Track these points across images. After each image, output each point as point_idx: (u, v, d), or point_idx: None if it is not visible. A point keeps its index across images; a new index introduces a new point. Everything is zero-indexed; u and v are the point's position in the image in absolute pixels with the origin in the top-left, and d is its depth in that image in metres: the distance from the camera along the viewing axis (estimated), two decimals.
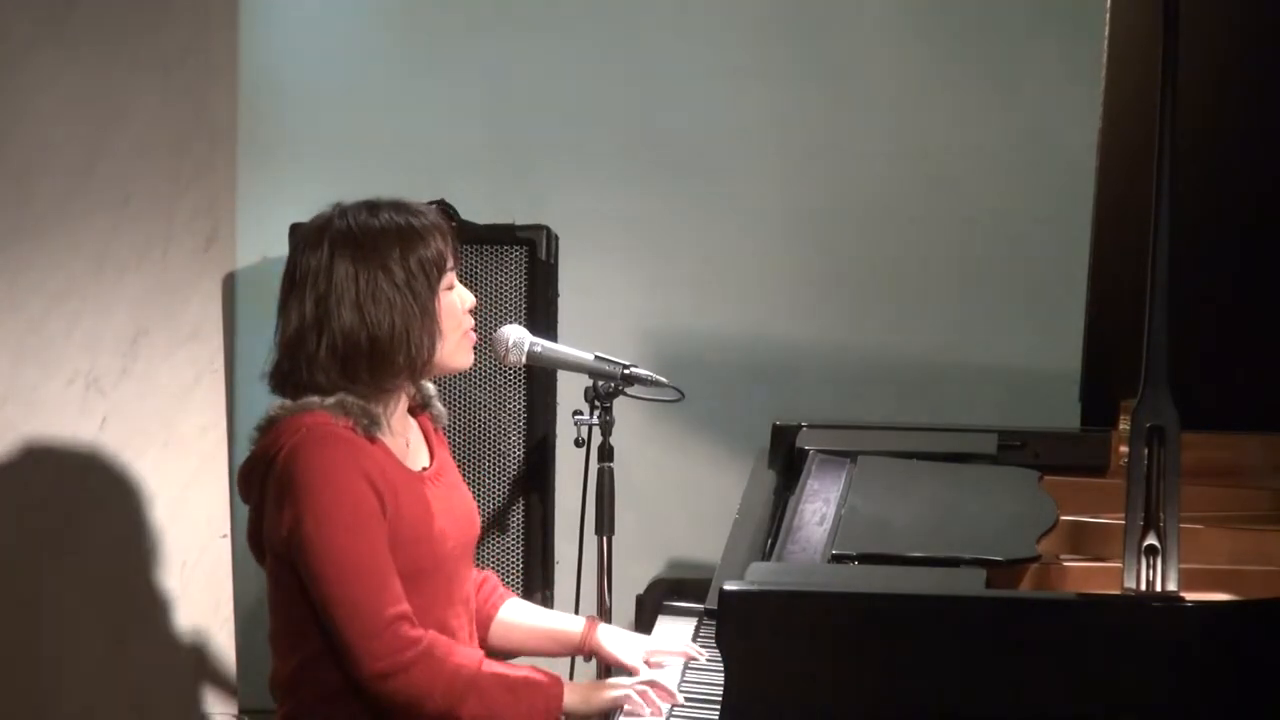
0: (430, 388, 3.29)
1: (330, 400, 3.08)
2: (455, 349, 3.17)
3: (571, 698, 3.11)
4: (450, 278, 3.16)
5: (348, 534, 3.01)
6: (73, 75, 4.65)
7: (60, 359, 4.63)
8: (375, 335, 3.08)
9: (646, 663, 3.29)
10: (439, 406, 3.30)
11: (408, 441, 3.20)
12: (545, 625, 3.38)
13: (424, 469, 3.20)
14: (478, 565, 3.46)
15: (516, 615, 3.39)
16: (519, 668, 3.15)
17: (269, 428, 3.11)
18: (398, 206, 3.15)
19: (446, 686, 3.02)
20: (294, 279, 3.12)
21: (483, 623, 3.36)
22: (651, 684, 3.13)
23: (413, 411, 3.25)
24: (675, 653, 3.29)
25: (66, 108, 4.65)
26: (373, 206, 3.15)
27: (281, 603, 3.12)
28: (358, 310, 3.07)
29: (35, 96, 4.62)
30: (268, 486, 3.07)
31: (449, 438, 3.41)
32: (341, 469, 3.03)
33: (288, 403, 3.12)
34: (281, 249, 4.90)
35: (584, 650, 3.37)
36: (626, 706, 3.09)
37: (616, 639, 3.35)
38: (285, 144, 5.19)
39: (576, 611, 3.88)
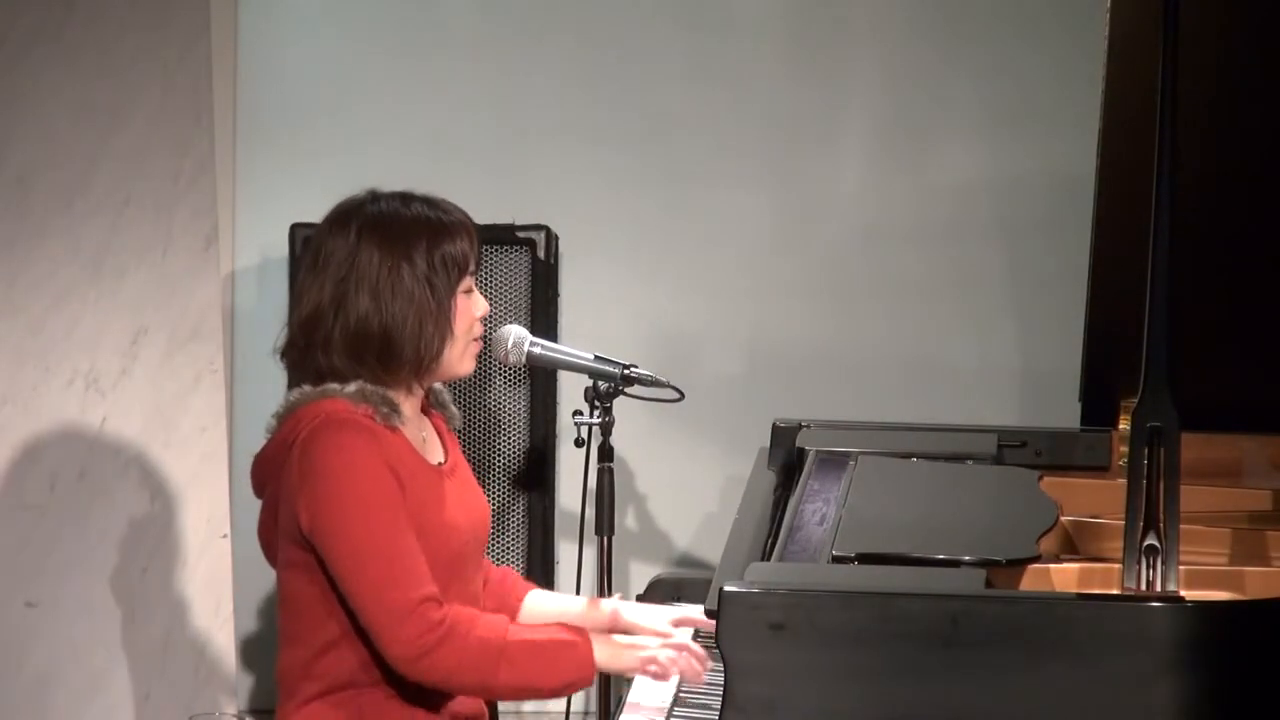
0: (441, 387, 3.29)
1: (350, 388, 3.08)
2: (461, 354, 3.18)
3: (601, 653, 3.11)
4: (469, 281, 3.17)
5: (371, 518, 3.02)
6: (73, 76, 4.65)
7: (60, 359, 4.64)
8: (388, 325, 3.08)
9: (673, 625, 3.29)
10: (453, 408, 3.31)
11: (424, 437, 3.20)
12: (572, 611, 3.37)
13: (440, 464, 3.20)
14: (496, 562, 3.47)
15: (542, 604, 3.39)
16: (545, 628, 3.15)
17: (288, 414, 3.11)
18: (430, 201, 3.17)
19: (476, 661, 3.03)
20: (318, 258, 3.13)
21: (510, 613, 3.36)
22: (682, 647, 3.12)
23: (426, 412, 3.25)
24: (698, 620, 3.25)
25: (66, 108, 4.65)
26: (405, 197, 3.16)
27: (292, 594, 3.11)
28: (375, 298, 3.08)
29: (35, 97, 4.63)
30: (286, 473, 3.07)
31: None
32: (362, 454, 3.03)
33: (307, 389, 3.11)
34: (281, 249, 4.94)
35: (614, 630, 3.35)
36: (653, 668, 3.09)
37: (641, 611, 3.35)
38: (285, 144, 5.19)
39: None
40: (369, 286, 3.08)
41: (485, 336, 3.26)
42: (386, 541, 3.02)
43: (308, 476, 3.03)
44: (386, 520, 3.03)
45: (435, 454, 3.22)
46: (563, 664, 3.07)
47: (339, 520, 3.02)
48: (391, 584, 3.01)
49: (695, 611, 3.30)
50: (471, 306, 3.17)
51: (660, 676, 3.13)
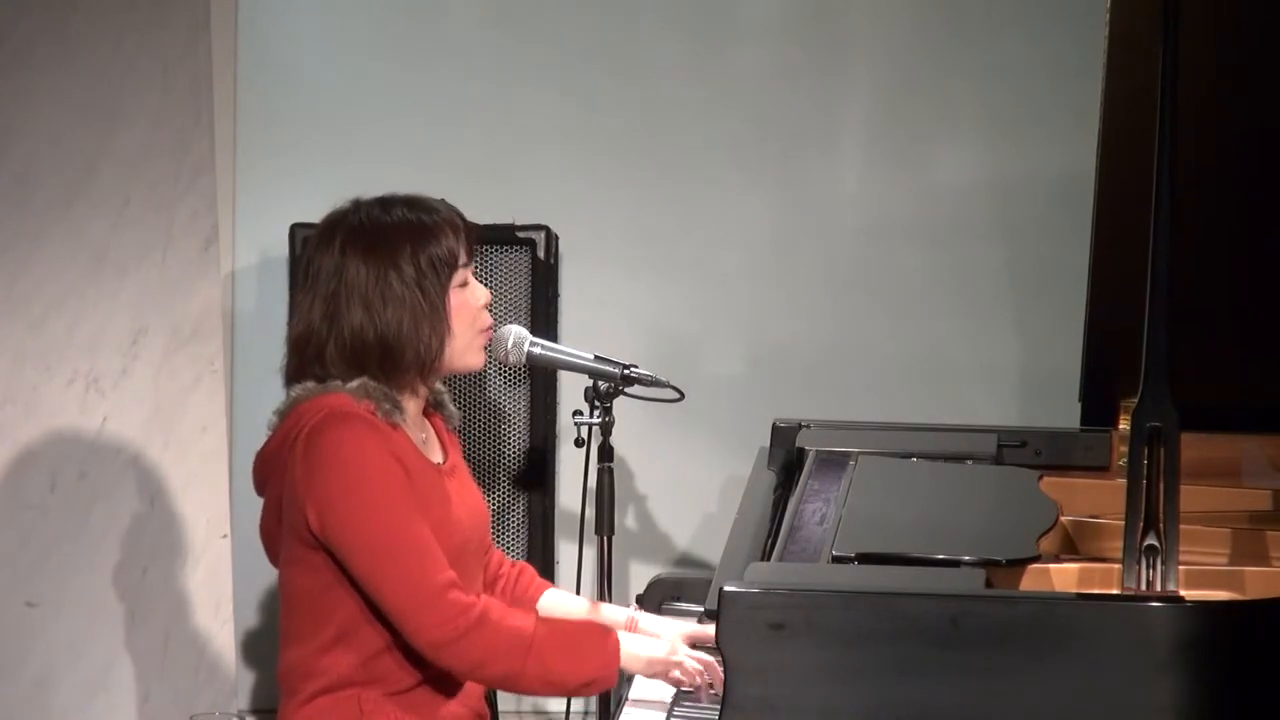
0: (441, 389, 3.29)
1: (353, 384, 3.08)
2: (466, 349, 3.16)
3: (628, 652, 3.11)
4: (463, 274, 3.15)
5: (384, 508, 3.01)
6: (73, 76, 4.65)
7: (60, 359, 4.64)
8: (384, 334, 3.08)
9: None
10: (452, 408, 3.30)
11: (424, 438, 3.20)
12: (589, 617, 3.37)
13: (439, 464, 3.20)
14: (511, 558, 3.47)
15: (558, 604, 3.39)
16: (574, 623, 3.15)
17: (289, 410, 3.10)
18: (411, 203, 3.15)
19: (506, 650, 3.03)
20: (307, 274, 3.13)
21: (526, 609, 3.36)
22: (709, 664, 3.12)
23: (425, 412, 3.25)
24: (708, 663, 3.24)
25: (67, 108, 4.66)
26: (386, 203, 3.14)
27: (294, 592, 3.11)
28: (367, 309, 3.07)
29: (35, 97, 4.63)
30: (290, 469, 3.06)
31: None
32: (368, 445, 3.02)
33: (310, 384, 3.11)
34: (281, 249, 4.93)
35: None
36: (676, 674, 3.09)
37: (659, 624, 3.34)
38: (285, 144, 5.19)
39: None
40: (360, 298, 3.08)
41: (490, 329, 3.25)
42: (403, 530, 3.02)
43: (314, 472, 3.03)
44: (400, 509, 3.02)
45: (435, 455, 3.21)
46: (590, 660, 3.07)
47: (353, 515, 3.01)
48: (415, 572, 3.01)
49: (710, 629, 3.28)
50: (469, 299, 3.16)
51: (677, 683, 3.13)
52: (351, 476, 3.02)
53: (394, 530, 3.01)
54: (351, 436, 3.03)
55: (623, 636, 3.12)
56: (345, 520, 3.01)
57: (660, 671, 3.12)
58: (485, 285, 3.24)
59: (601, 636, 3.10)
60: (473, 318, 3.16)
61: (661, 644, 3.15)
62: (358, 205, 3.15)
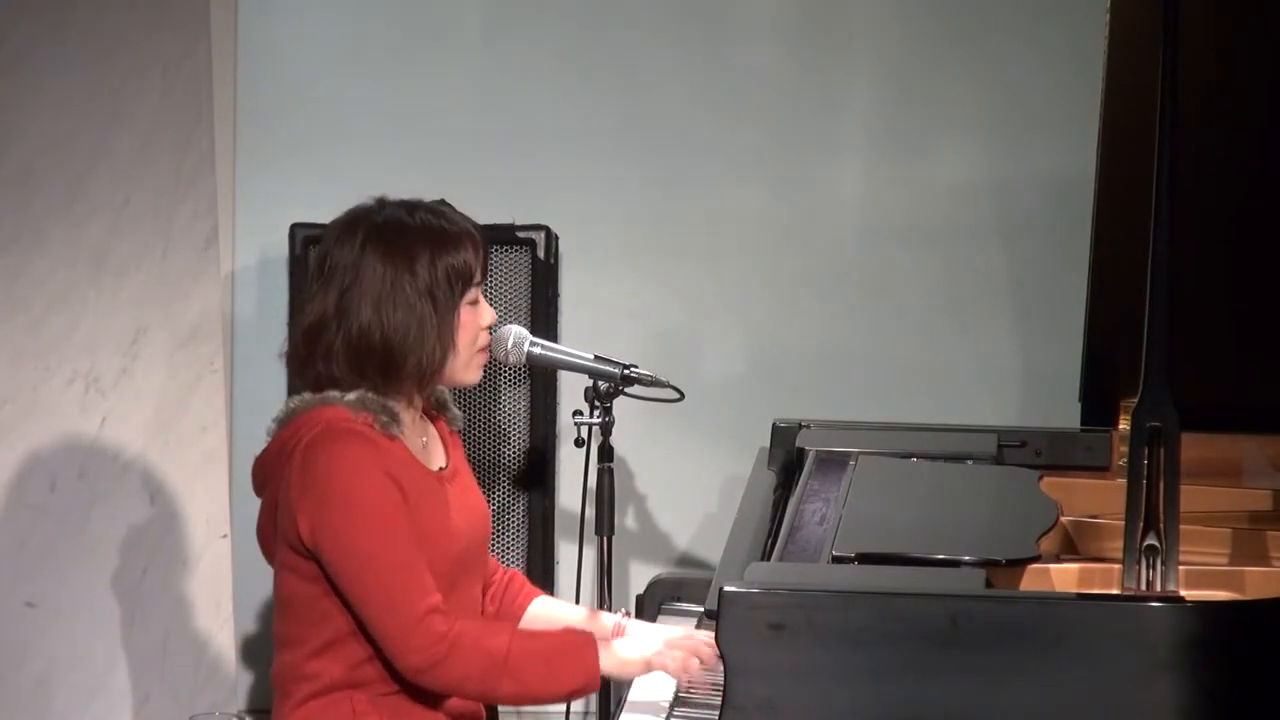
0: (444, 389, 3.29)
1: (350, 396, 3.08)
2: (465, 364, 3.17)
3: (607, 659, 3.11)
4: (475, 292, 3.16)
5: (375, 528, 3.02)
6: (73, 76, 4.65)
7: (60, 359, 4.64)
8: (388, 336, 3.08)
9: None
10: (455, 410, 3.31)
11: (424, 442, 3.20)
12: (576, 621, 3.36)
13: (440, 469, 3.20)
14: (503, 564, 3.47)
15: (546, 611, 3.39)
16: (550, 636, 3.14)
17: (287, 420, 3.11)
18: (435, 211, 3.15)
19: (481, 672, 3.03)
20: (324, 266, 3.13)
21: (512, 618, 3.36)
22: (692, 651, 3.12)
23: (428, 414, 3.25)
24: (689, 645, 3.23)
25: (66, 108, 4.66)
26: (411, 206, 3.14)
27: (289, 596, 3.12)
28: (376, 309, 3.07)
29: (35, 97, 4.63)
30: (287, 479, 3.07)
31: None
32: (364, 463, 3.03)
33: (307, 395, 3.11)
34: (282, 249, 4.94)
35: None
36: (671, 672, 3.10)
37: (645, 633, 3.33)
38: (285, 144, 5.19)
39: None
40: (371, 298, 3.08)
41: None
42: (391, 552, 3.02)
43: (309, 486, 3.04)
44: (390, 530, 3.03)
45: (436, 459, 3.21)
46: (567, 673, 3.07)
47: (343, 531, 3.02)
48: (397, 596, 3.02)
49: (702, 634, 3.28)
50: (477, 317, 3.16)
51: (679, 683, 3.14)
52: (345, 493, 3.02)
53: (382, 551, 3.02)
54: (347, 453, 3.03)
55: (601, 644, 3.11)
56: (335, 537, 3.02)
57: (641, 671, 3.12)
58: (487, 285, 3.24)
59: (579, 646, 3.09)
60: (474, 335, 3.17)
61: (646, 643, 3.15)
62: (383, 204, 3.15)
